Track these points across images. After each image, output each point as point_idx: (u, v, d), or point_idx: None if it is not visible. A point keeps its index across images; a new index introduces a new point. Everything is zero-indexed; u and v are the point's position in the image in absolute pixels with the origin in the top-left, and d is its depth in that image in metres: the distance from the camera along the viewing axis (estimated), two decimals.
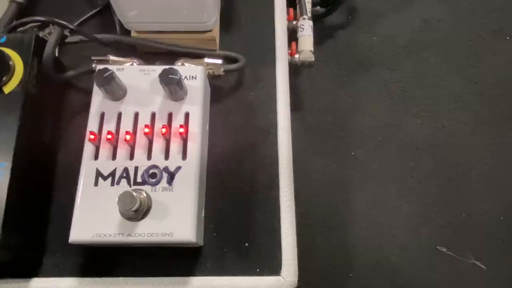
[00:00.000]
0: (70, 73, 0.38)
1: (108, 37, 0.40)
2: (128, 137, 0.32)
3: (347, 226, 0.44)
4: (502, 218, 0.44)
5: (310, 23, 0.50)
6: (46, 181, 0.36)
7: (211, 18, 0.38)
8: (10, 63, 0.33)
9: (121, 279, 0.34)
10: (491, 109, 0.52)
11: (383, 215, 0.46)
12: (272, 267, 0.35)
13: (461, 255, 0.43)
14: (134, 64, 0.39)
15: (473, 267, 0.42)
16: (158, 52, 0.42)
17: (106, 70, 0.32)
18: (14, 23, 0.38)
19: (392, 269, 0.43)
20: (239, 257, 0.35)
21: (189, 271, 0.35)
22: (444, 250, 0.43)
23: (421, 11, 0.59)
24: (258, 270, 0.34)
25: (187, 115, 0.34)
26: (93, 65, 0.39)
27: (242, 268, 0.35)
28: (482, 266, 0.42)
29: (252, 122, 0.40)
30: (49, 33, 0.37)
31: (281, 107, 0.41)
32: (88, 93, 0.38)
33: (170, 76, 0.32)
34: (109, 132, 0.32)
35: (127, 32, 0.43)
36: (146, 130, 0.32)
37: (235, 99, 0.42)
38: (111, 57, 0.38)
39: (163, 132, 0.33)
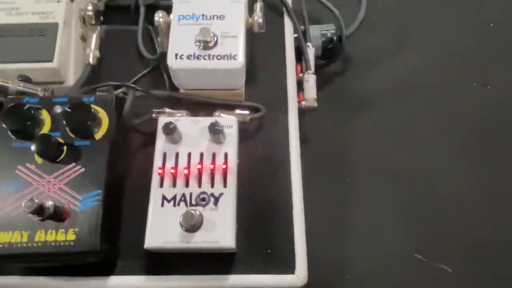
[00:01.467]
0: (136, 121, 0.50)
1: (162, 93, 0.52)
2: (186, 171, 0.44)
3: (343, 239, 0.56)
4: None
5: (314, 77, 0.63)
6: (121, 202, 0.48)
7: (241, 84, 0.51)
8: (99, 116, 0.45)
9: (175, 276, 0.46)
10: (468, 144, 0.64)
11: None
12: (288, 268, 0.47)
13: (433, 261, 0.54)
14: (184, 114, 0.51)
15: (442, 271, 0.54)
16: (199, 103, 0.55)
17: (170, 123, 0.45)
18: (96, 85, 0.50)
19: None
20: (264, 261, 0.47)
21: (225, 271, 0.46)
22: (420, 257, 0.55)
23: (404, 61, 0.72)
24: (278, 270, 0.46)
25: (226, 155, 0.47)
26: (153, 115, 0.51)
27: (266, 269, 0.47)
28: (449, 270, 0.54)
29: (270, 156, 0.53)
30: (123, 92, 0.50)
31: (293, 145, 0.53)
32: (147, 135, 0.51)
33: (215, 127, 0.44)
34: (172, 168, 0.45)
35: (174, 88, 0.56)
36: (199, 166, 0.45)
37: (257, 139, 0.54)
38: (167, 110, 0.51)
39: (211, 168, 0.45)
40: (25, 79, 0.50)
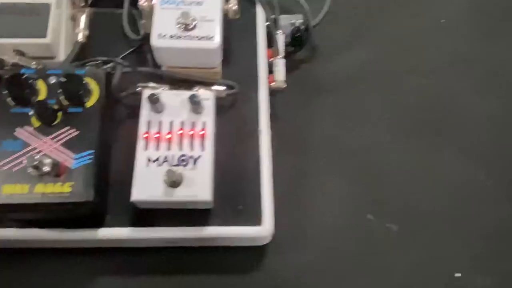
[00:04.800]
0: (123, 93, 0.56)
1: (147, 70, 0.58)
2: (168, 136, 0.51)
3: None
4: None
5: (284, 61, 0.70)
6: (109, 162, 0.54)
7: (218, 63, 0.58)
8: (90, 87, 0.51)
9: (158, 228, 0.53)
10: (408, 125, 0.74)
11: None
12: (256, 221, 0.54)
13: (382, 221, 0.64)
14: (165, 89, 0.58)
15: (389, 229, 0.63)
16: (180, 80, 0.61)
17: (154, 94, 0.51)
18: (86, 60, 0.56)
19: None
20: (235, 215, 0.54)
21: (202, 223, 0.53)
22: (371, 217, 0.64)
23: (360, 52, 0.81)
24: (248, 223, 0.54)
25: (204, 123, 0.53)
26: (138, 89, 0.57)
27: (237, 222, 0.54)
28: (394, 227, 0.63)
29: (243, 128, 0.60)
30: (111, 68, 0.56)
31: (262, 118, 0.60)
32: (132, 107, 0.57)
33: (194, 99, 0.51)
34: (156, 133, 0.51)
35: (157, 66, 0.62)
36: (180, 132, 0.51)
37: (231, 113, 0.61)
38: (151, 84, 0.57)
39: (190, 134, 0.52)
40: (20, 53, 0.55)
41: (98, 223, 0.52)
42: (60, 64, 0.57)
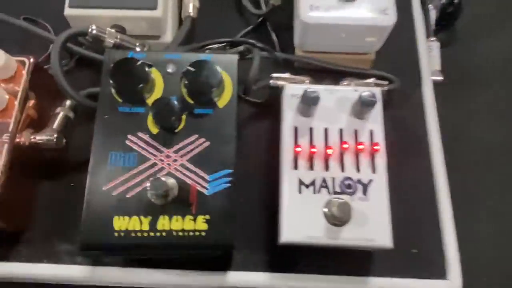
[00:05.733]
0: (254, 87, 0.42)
1: (290, 56, 0.44)
2: (330, 151, 0.36)
3: None
4: None
5: (438, 44, 0.54)
6: None
7: (381, 43, 0.42)
8: (223, 80, 0.37)
9: (306, 275, 0.39)
10: None
11: None
12: (438, 271, 0.39)
13: None
14: (307, 82, 0.43)
15: None
16: (312, 68, 0.46)
17: (313, 91, 0.36)
18: (206, 42, 0.41)
19: None
20: (408, 261, 0.39)
21: (366, 272, 0.39)
22: None
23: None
24: (426, 273, 0.39)
25: (371, 133, 0.38)
26: (271, 81, 0.43)
27: (411, 271, 0.39)
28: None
29: (406, 136, 0.44)
30: (242, 52, 0.41)
31: (431, 124, 0.45)
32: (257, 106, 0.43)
33: (370, 99, 0.36)
34: (312, 146, 0.36)
35: (284, 48, 0.47)
36: (345, 146, 0.36)
37: (388, 116, 0.45)
38: (288, 75, 0.43)
39: (356, 148, 0.37)
40: (120, 30, 0.42)
41: (226, 265, 0.39)
42: (169, 47, 0.44)
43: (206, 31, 0.49)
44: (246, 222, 0.40)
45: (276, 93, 0.44)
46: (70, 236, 0.40)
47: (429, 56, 0.53)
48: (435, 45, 0.55)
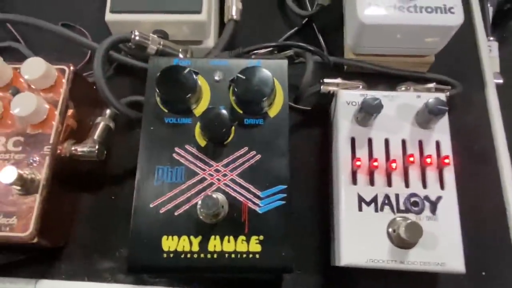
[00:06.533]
0: (304, 94, 0.39)
1: (337, 60, 0.41)
2: (394, 165, 0.33)
3: None
4: None
5: (496, 44, 0.50)
6: None
7: (443, 44, 0.38)
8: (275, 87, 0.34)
9: None
10: None
11: None
12: None
13: None
14: (361, 87, 0.40)
15: None
16: (364, 73, 0.43)
17: (375, 98, 0.33)
18: (252, 47, 0.39)
19: None
20: (476, 285, 0.36)
21: None
22: None
23: None
24: None
25: (438, 144, 0.35)
26: (322, 87, 0.40)
27: None
28: None
29: (470, 147, 0.40)
30: (292, 57, 0.39)
31: (498, 133, 0.41)
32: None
33: (439, 107, 0.33)
34: (374, 160, 0.33)
35: (332, 52, 0.44)
36: (411, 159, 0.33)
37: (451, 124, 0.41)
38: (340, 81, 0.40)
39: (422, 162, 0.34)
40: (162, 36, 0.40)
41: (276, 286, 0.36)
42: (212, 52, 0.41)
43: (247, 34, 0.47)
44: (297, 240, 0.37)
45: (325, 100, 0.41)
46: (111, 252, 0.38)
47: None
48: (494, 45, 0.51)
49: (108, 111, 0.41)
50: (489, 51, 0.49)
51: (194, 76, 0.33)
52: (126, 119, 0.41)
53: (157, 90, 0.33)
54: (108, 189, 0.40)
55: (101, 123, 0.40)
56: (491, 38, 0.50)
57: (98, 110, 0.42)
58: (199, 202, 0.29)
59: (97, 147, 0.38)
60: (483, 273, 0.36)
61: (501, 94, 0.48)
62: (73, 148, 0.37)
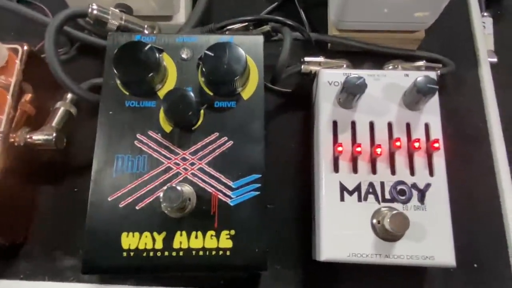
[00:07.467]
0: (283, 75, 0.36)
1: (319, 37, 0.37)
2: (379, 150, 0.30)
3: None
4: None
5: (491, 20, 0.46)
6: None
7: (434, 18, 0.35)
8: (249, 66, 0.31)
9: None
10: None
11: None
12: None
13: None
14: (344, 66, 0.37)
15: None
16: (349, 51, 0.40)
17: (358, 77, 0.30)
18: (224, 23, 0.35)
19: None
20: (469, 275, 0.33)
21: None
22: None
23: None
24: None
25: (426, 126, 0.32)
26: (302, 67, 0.37)
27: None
28: None
29: (462, 131, 0.38)
30: (267, 33, 0.35)
31: (492, 115, 0.38)
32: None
33: (429, 85, 0.30)
34: (358, 145, 0.30)
35: (314, 28, 0.41)
36: (398, 143, 0.30)
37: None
38: (322, 59, 0.36)
39: (410, 146, 0.31)
40: (126, 10, 0.36)
41: (253, 283, 0.34)
42: (183, 29, 0.38)
43: (223, 10, 0.43)
44: (275, 233, 0.35)
45: (307, 81, 0.38)
46: (74, 249, 0.34)
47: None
48: (488, 21, 0.48)
49: (69, 96, 0.38)
50: (483, 28, 0.46)
51: (157, 54, 0.30)
52: (89, 104, 0.38)
53: (115, 70, 0.29)
54: (70, 181, 0.37)
55: (61, 109, 0.36)
56: (486, 14, 0.47)
57: (61, 95, 0.39)
58: (161, 195, 0.26)
59: (54, 134, 0.34)
60: (475, 265, 0.34)
61: (495, 73, 0.45)
62: (28, 136, 0.34)
